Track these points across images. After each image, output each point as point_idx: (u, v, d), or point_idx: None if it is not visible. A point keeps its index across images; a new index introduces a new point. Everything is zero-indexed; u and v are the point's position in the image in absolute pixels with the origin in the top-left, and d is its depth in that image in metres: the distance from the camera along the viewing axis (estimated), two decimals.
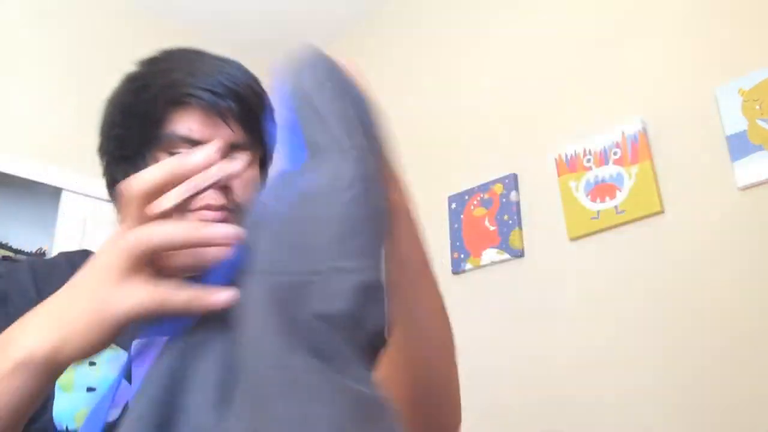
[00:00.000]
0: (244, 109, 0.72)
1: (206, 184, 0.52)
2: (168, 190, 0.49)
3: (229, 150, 0.72)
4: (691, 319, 1.45)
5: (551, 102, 1.91)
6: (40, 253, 2.42)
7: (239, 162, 0.69)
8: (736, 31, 1.55)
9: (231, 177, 0.60)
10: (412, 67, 2.44)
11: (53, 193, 2.25)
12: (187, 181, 0.53)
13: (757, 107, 1.44)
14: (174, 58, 0.74)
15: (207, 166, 0.49)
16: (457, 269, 1.97)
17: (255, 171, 0.76)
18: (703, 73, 1.58)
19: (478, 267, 1.92)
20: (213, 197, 0.68)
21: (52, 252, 2.18)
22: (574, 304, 1.68)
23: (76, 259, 0.75)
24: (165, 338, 0.69)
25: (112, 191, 0.76)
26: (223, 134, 0.70)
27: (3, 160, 2.10)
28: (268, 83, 0.73)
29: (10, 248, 2.38)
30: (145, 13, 2.64)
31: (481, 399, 1.81)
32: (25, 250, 2.42)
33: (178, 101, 0.70)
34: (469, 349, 1.99)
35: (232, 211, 0.70)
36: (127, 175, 0.68)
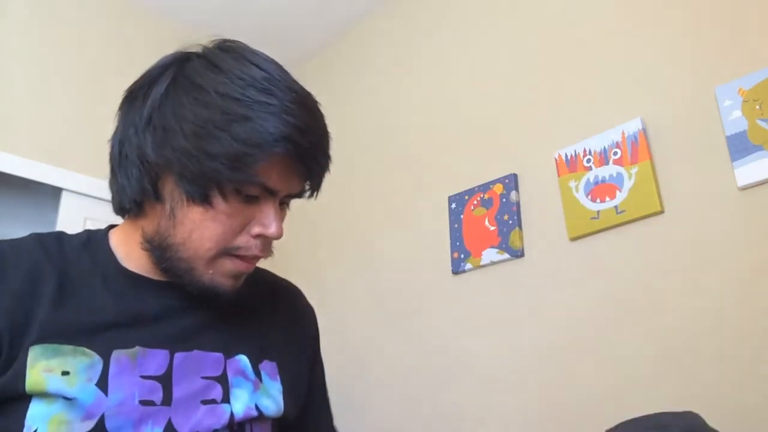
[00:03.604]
0: (321, 166, 0.73)
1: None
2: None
3: (286, 197, 0.75)
4: (692, 319, 1.45)
5: (551, 102, 1.91)
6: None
7: (285, 211, 0.78)
8: (736, 31, 1.55)
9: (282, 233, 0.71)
10: (413, 67, 2.44)
11: (53, 193, 2.25)
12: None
13: (757, 107, 1.44)
14: (268, 84, 0.68)
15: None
16: (457, 269, 1.97)
17: (287, 211, 0.80)
18: (703, 73, 1.58)
19: (478, 267, 1.92)
20: (262, 248, 0.72)
21: None
22: (574, 304, 1.68)
23: (49, 243, 0.73)
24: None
25: (140, 185, 0.71)
26: (293, 186, 0.73)
27: (3, 160, 2.10)
28: None
29: None
30: (145, 13, 2.64)
31: (480, 399, 1.81)
32: None
33: (276, 153, 0.66)
34: (468, 348, 2.00)
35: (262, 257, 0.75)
36: (178, 189, 0.69)
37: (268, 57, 0.73)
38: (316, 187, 0.77)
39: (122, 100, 0.75)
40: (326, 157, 0.74)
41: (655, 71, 1.68)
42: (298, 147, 0.67)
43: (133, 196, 0.72)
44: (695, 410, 1.40)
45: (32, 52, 2.28)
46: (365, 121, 2.56)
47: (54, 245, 0.73)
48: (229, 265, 0.71)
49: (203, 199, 0.68)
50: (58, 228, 2.18)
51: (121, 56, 2.40)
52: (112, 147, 0.74)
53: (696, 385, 1.41)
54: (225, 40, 0.74)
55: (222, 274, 0.72)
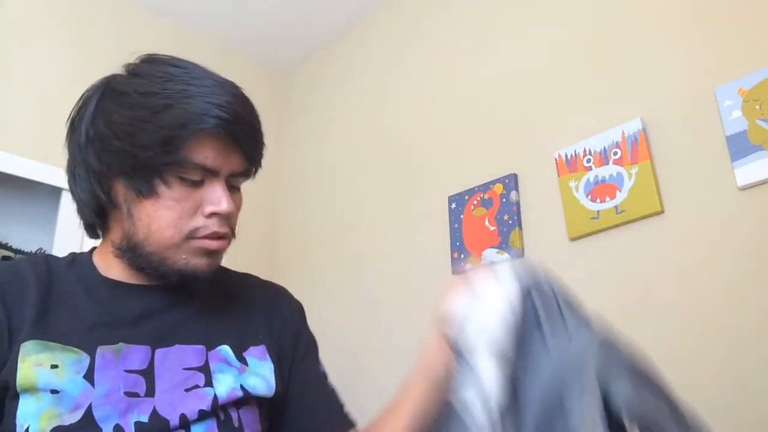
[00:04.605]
0: (253, 138, 0.78)
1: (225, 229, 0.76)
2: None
3: (231, 178, 0.78)
4: (691, 319, 1.45)
5: (551, 102, 1.91)
6: (40, 254, 2.42)
7: (238, 196, 0.81)
8: (736, 31, 1.55)
9: (236, 210, 0.75)
10: (412, 67, 2.44)
11: (53, 193, 2.25)
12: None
13: (757, 107, 1.44)
14: (187, 77, 0.73)
15: None
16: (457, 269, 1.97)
17: (241, 196, 0.83)
18: (703, 73, 1.58)
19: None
20: (219, 225, 0.75)
21: (52, 252, 2.18)
22: None
23: (37, 262, 0.77)
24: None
25: (94, 196, 0.77)
26: (232, 163, 0.76)
27: (3, 160, 2.10)
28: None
29: (10, 248, 2.38)
30: (145, 12, 2.64)
31: None
32: (25, 250, 2.42)
33: (201, 130, 0.71)
34: None
35: (229, 237, 0.78)
36: (128, 189, 0.74)
37: (189, 60, 0.78)
38: (253, 163, 0.80)
39: (66, 131, 0.81)
40: (254, 130, 0.77)
41: (655, 71, 1.68)
42: (222, 121, 0.71)
43: (91, 207, 0.77)
44: (696, 410, 1.40)
45: (32, 52, 2.28)
46: (365, 122, 2.56)
47: (41, 264, 0.77)
48: (197, 245, 0.75)
49: (149, 190, 0.72)
50: (58, 228, 2.19)
51: (121, 56, 2.39)
52: (68, 175, 0.80)
53: (696, 385, 1.41)
54: (148, 54, 0.79)
55: (195, 256, 0.75)
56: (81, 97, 0.79)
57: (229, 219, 0.77)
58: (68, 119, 0.80)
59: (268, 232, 2.70)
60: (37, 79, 2.27)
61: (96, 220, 0.79)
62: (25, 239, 2.48)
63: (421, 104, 2.35)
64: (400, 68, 2.50)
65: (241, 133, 0.74)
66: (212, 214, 0.75)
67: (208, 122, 0.70)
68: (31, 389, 0.66)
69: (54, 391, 0.66)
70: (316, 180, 2.62)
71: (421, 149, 2.28)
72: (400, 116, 2.42)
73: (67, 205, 2.22)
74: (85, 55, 2.39)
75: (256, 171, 0.82)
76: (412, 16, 2.53)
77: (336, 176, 2.57)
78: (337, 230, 2.51)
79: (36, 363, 0.66)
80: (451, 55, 2.30)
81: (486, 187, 1.98)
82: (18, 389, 0.65)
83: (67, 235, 2.18)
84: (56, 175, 2.19)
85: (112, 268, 0.79)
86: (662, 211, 1.56)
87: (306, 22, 2.77)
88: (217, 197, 0.74)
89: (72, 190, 0.80)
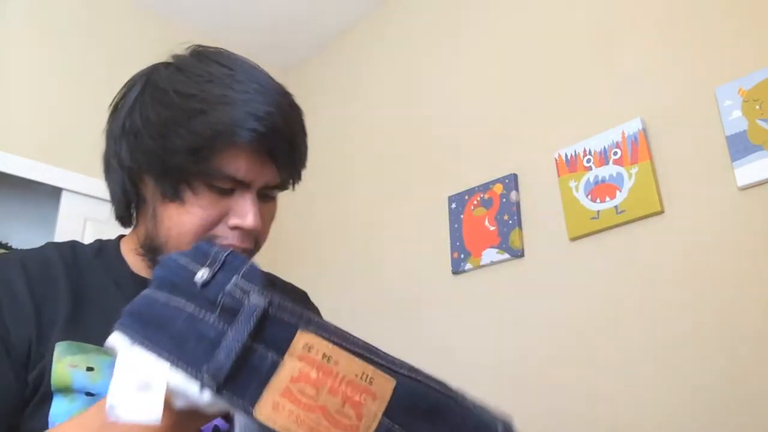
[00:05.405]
0: (291, 152, 0.73)
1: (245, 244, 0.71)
2: None
3: (266, 189, 0.74)
4: (692, 319, 1.45)
5: (551, 102, 1.91)
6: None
7: (272, 205, 0.76)
8: (736, 31, 1.55)
9: (262, 225, 0.72)
10: (413, 67, 2.44)
11: (53, 193, 2.25)
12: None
13: (757, 107, 1.44)
14: (230, 80, 0.69)
15: None
16: (457, 269, 1.97)
17: (275, 205, 0.79)
18: (703, 73, 1.58)
19: (478, 267, 1.92)
20: (240, 239, 0.71)
21: None
22: (574, 303, 1.68)
23: (67, 254, 0.75)
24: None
25: (124, 191, 0.74)
26: (265, 176, 0.72)
27: (3, 160, 2.10)
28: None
29: (10, 248, 2.38)
30: (145, 13, 2.65)
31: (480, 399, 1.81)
32: None
33: (234, 142, 0.67)
34: (469, 348, 2.00)
35: (250, 252, 0.73)
36: (155, 188, 0.71)
37: (238, 56, 0.74)
38: (292, 176, 0.76)
39: (108, 116, 0.77)
40: (293, 143, 0.73)
41: (655, 71, 1.68)
42: (257, 135, 0.67)
43: (120, 201, 0.75)
44: (696, 409, 1.41)
45: (32, 52, 2.28)
46: (366, 122, 2.56)
47: (69, 254, 0.75)
48: None
49: (174, 194, 0.69)
50: (58, 228, 2.18)
51: (121, 56, 2.40)
52: (103, 163, 0.78)
53: (695, 385, 1.41)
54: (198, 46, 0.75)
55: None
56: (127, 83, 0.76)
57: (253, 233, 0.73)
58: (111, 104, 0.76)
59: (271, 230, 2.69)
60: (37, 79, 2.27)
61: (125, 212, 0.77)
62: (25, 239, 2.48)
63: (421, 105, 2.35)
64: (401, 68, 2.50)
65: (277, 146, 0.70)
66: (235, 227, 0.71)
67: (242, 135, 0.66)
68: (66, 390, 0.64)
69: (89, 394, 0.65)
70: (316, 180, 2.62)
71: (421, 149, 2.28)
72: (401, 117, 2.42)
73: (67, 205, 2.22)
74: (85, 56, 2.39)
75: (294, 183, 0.77)
76: (411, 20, 2.53)
77: (336, 176, 2.57)
78: (338, 230, 2.51)
79: (71, 364, 0.65)
80: (450, 56, 2.30)
81: (486, 187, 1.98)
82: (52, 389, 0.64)
83: (67, 235, 2.17)
84: (56, 175, 2.19)
85: (139, 263, 0.77)
86: (662, 211, 1.56)
87: (309, 23, 2.77)
88: (244, 210, 0.70)
89: (105, 178, 0.77)
